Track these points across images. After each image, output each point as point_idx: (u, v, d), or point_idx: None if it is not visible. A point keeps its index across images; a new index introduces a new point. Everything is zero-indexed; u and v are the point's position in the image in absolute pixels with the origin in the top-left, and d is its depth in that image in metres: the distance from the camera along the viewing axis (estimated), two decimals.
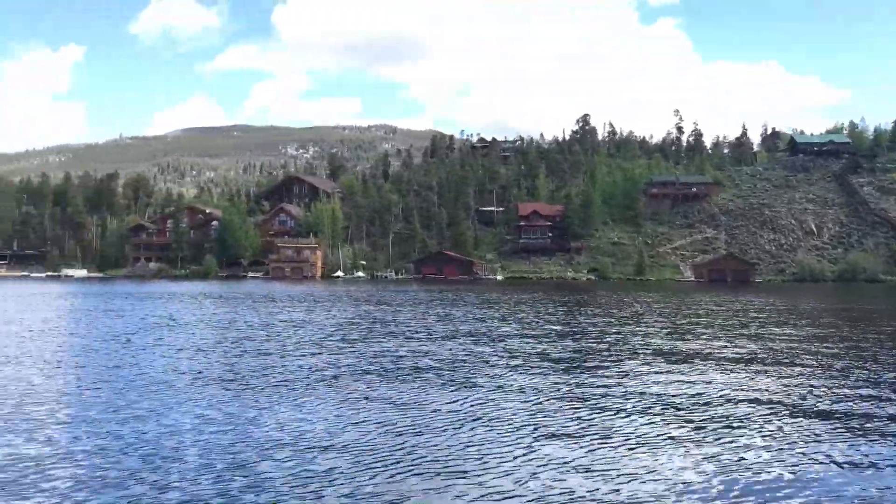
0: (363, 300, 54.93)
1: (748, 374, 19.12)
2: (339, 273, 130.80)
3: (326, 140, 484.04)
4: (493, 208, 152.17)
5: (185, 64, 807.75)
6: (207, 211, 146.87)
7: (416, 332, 29.59)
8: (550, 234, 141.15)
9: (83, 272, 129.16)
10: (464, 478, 10.08)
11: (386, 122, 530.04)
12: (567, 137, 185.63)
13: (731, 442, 12.14)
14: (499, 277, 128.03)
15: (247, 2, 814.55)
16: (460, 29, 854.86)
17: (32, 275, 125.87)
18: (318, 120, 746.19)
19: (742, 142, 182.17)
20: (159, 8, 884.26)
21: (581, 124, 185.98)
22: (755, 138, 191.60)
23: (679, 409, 14.59)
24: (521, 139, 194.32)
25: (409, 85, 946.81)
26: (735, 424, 13.36)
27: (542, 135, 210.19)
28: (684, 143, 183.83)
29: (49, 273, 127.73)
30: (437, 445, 11.65)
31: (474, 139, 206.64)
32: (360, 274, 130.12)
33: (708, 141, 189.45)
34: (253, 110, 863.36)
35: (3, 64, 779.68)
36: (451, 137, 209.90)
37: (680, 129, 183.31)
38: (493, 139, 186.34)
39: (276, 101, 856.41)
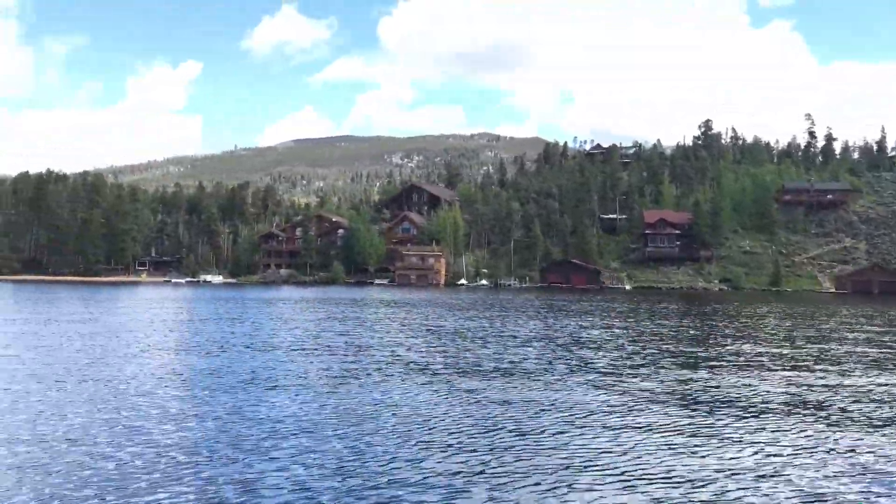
0: (544, 308, 54.30)
1: None
2: (463, 281, 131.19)
3: (431, 149, 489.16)
4: (615, 216, 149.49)
5: (295, 77, 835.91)
6: (334, 219, 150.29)
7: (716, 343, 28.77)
8: (678, 243, 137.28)
9: (219, 278, 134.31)
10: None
11: (489, 131, 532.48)
12: (689, 143, 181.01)
13: None
14: (627, 287, 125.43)
15: (355, 14, 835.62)
16: (564, 35, 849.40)
17: (174, 280, 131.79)
18: (422, 129, 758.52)
19: (881, 146, 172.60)
20: (271, 24, 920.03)
21: (703, 129, 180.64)
22: (888, 142, 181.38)
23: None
24: (639, 145, 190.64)
25: (513, 92, 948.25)
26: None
27: (658, 141, 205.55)
28: (814, 148, 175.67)
29: (189, 279, 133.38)
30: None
31: (587, 146, 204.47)
32: (484, 282, 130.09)
33: (836, 145, 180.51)
34: (359, 121, 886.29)
35: (129, 80, 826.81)
36: (565, 144, 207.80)
37: (812, 134, 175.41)
38: (613, 145, 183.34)
39: (380, 111, 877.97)
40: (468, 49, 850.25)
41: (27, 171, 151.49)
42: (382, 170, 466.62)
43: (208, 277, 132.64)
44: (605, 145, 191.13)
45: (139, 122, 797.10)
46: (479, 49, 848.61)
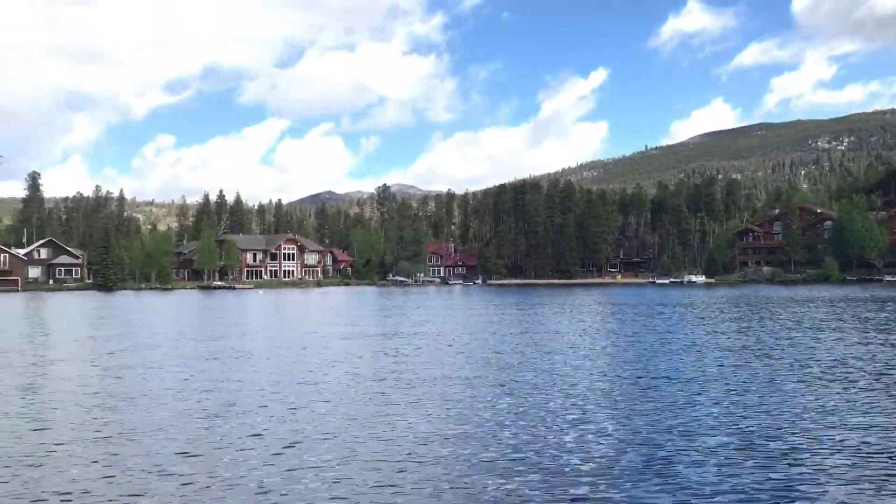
0: None
1: None
2: None
3: (863, 128, 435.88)
4: None
5: (702, 69, 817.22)
6: (818, 210, 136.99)
7: None
8: None
9: (702, 278, 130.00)
10: None
11: None
12: None
13: None
14: None
15: None
16: None
17: (657, 281, 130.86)
18: (848, 108, 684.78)
19: None
20: (677, 20, 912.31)
21: None
22: None
23: None
24: None
25: None
26: None
27: None
28: None
29: (672, 279, 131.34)
30: None
31: None
32: None
33: None
34: (773, 106, 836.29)
35: (541, 95, 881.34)
36: None
37: None
38: None
39: (798, 93, 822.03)
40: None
41: (504, 184, 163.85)
42: (807, 156, 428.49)
43: (692, 277, 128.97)
44: None
45: (552, 132, 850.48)
46: None
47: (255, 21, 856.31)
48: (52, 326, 39.92)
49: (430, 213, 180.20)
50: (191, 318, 46.92)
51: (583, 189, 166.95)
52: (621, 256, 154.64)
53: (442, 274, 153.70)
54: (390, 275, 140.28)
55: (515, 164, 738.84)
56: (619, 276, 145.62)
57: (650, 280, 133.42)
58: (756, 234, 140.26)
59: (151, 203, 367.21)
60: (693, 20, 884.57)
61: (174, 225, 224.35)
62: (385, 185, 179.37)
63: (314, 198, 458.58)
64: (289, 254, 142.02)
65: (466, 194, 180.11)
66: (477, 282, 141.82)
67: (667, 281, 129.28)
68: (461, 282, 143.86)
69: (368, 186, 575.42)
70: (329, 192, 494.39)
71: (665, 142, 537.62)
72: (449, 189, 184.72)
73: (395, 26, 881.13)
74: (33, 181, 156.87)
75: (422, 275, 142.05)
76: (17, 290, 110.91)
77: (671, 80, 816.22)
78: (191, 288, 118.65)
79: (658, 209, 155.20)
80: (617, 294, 78.02)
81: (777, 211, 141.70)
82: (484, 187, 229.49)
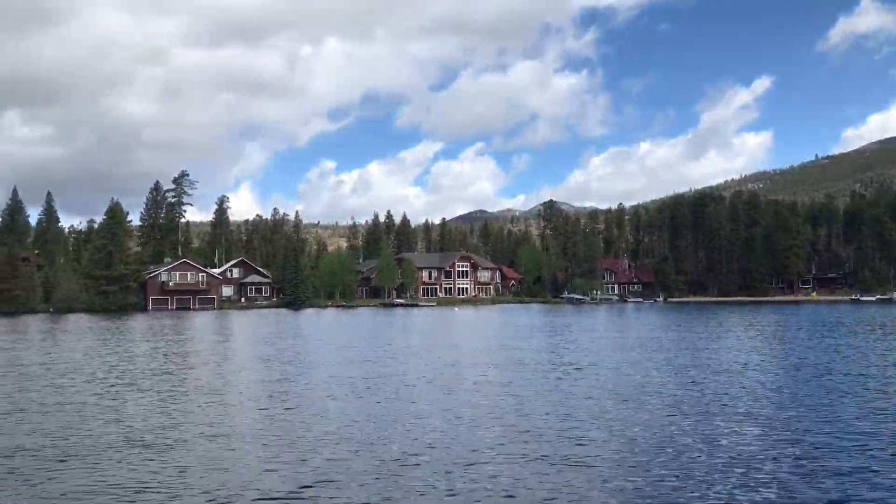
0: None
1: None
2: None
3: None
4: None
5: (879, 72, 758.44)
6: None
7: None
8: None
9: None
10: None
11: None
12: None
13: None
14: None
15: None
16: None
17: (861, 298, 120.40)
18: None
19: None
20: (849, 22, 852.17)
21: None
22: None
23: None
24: None
25: None
26: None
27: None
28: None
29: (879, 296, 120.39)
30: None
31: None
32: None
33: None
34: None
35: (700, 105, 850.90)
36: None
37: None
38: None
39: None
40: None
41: (681, 194, 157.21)
42: None
43: None
44: None
45: (712, 143, 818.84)
46: None
47: (412, 46, 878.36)
48: (356, 342, 40.50)
49: (599, 229, 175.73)
50: (452, 334, 49.29)
51: (769, 200, 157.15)
52: (813, 272, 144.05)
53: (616, 291, 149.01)
54: (565, 292, 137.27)
55: (673, 177, 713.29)
56: (814, 294, 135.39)
57: (852, 297, 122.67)
58: None
59: (317, 225, 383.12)
60: (867, 21, 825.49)
61: (342, 245, 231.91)
62: (552, 200, 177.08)
63: (467, 216, 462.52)
64: (463, 271, 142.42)
65: (638, 207, 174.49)
66: (658, 300, 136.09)
67: (873, 298, 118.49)
68: (640, 299, 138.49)
69: (520, 204, 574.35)
70: (481, 211, 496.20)
71: (837, 150, 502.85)
72: (620, 203, 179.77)
73: (547, 44, 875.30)
74: (221, 205, 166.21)
75: (598, 292, 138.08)
76: (213, 308, 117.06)
77: (842, 85, 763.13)
78: (373, 305, 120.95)
79: (852, 220, 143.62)
80: (831, 313, 71.42)
81: None
82: (639, 202, 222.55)
